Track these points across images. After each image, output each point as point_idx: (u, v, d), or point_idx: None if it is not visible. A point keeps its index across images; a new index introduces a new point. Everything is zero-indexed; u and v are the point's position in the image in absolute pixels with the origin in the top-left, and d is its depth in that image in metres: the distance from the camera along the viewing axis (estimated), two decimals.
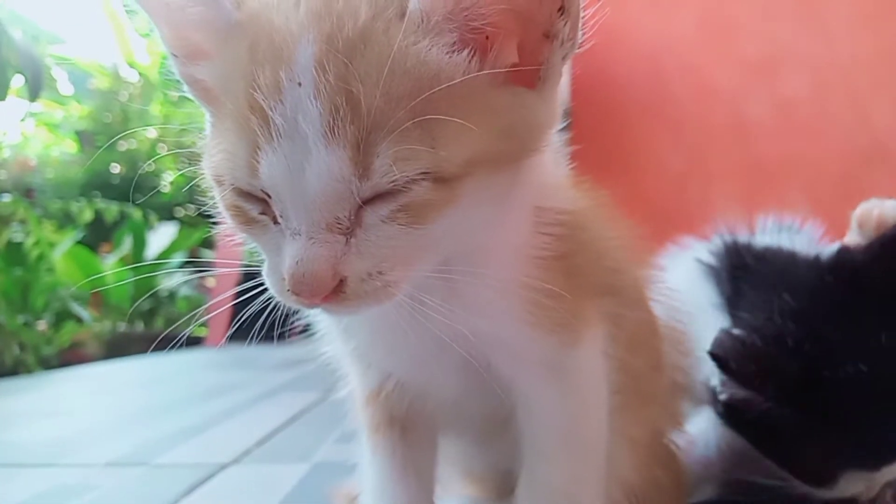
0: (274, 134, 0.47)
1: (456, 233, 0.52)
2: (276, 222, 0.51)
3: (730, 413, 0.88)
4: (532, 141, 0.54)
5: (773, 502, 0.89)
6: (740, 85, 4.70)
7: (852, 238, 0.92)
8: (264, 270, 0.54)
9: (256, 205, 0.52)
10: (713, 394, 0.88)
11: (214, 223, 0.60)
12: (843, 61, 4.63)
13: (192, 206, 5.31)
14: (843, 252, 0.90)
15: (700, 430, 0.93)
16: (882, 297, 0.83)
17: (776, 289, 0.89)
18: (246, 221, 0.53)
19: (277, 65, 0.47)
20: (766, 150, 4.58)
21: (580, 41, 0.53)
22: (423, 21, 0.49)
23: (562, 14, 0.51)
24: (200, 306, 4.90)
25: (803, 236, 1.03)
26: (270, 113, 0.47)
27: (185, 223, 5.07)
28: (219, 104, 0.53)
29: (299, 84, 0.47)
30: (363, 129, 0.46)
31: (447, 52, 0.49)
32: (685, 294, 0.99)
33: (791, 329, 0.84)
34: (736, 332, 0.84)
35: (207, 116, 0.57)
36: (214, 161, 0.53)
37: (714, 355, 0.81)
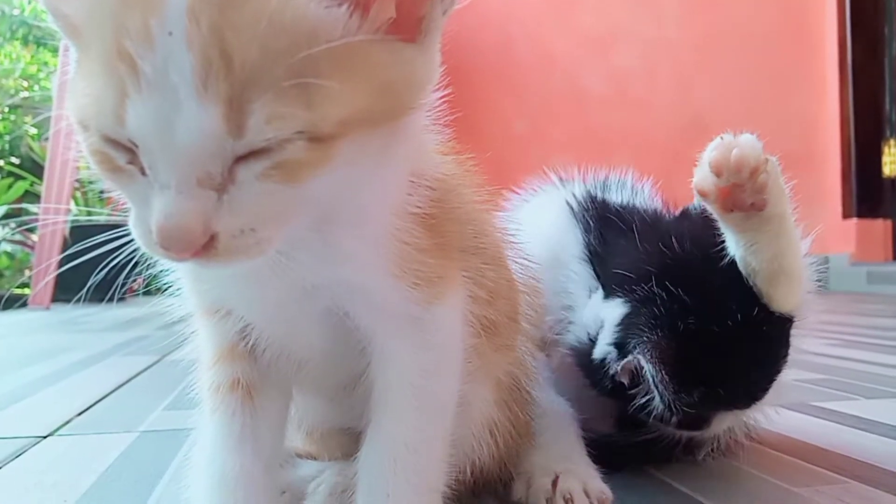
0: (143, 84, 0.44)
1: (331, 191, 0.52)
2: (143, 173, 0.48)
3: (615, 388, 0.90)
4: (411, 97, 0.54)
5: (603, 447, 0.94)
6: (579, 56, 4.97)
7: (705, 181, 0.81)
8: (131, 221, 0.51)
9: (123, 153, 0.48)
10: (596, 363, 0.90)
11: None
12: (671, 40, 4.98)
13: (13, 157, 4.94)
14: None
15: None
16: None
17: (654, 254, 0.90)
18: (112, 169, 0.50)
19: (148, 10, 0.44)
20: (600, 120, 4.88)
21: None
22: None
23: None
24: (24, 264, 4.59)
25: (644, 194, 1.08)
26: (139, 62, 0.44)
27: (6, 174, 4.68)
28: (86, 43, 0.49)
29: (170, 33, 0.44)
30: (237, 86, 0.44)
31: (326, 6, 0.47)
32: (554, 238, 1.03)
33: (683, 302, 0.85)
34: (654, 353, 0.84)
35: (73, 53, 0.52)
36: (80, 104, 0.49)
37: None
